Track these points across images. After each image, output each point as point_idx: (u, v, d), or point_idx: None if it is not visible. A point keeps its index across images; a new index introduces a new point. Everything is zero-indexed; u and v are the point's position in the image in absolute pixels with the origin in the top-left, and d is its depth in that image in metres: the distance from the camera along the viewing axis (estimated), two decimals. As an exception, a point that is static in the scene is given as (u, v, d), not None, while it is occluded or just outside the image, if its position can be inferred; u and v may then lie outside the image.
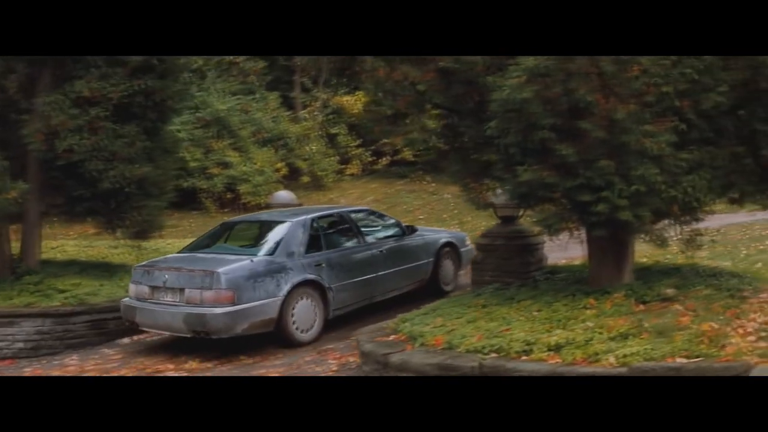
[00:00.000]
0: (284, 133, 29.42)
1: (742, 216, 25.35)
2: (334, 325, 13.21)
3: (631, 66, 9.81)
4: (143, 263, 13.09)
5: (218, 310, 11.16)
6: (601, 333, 8.87)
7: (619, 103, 9.68)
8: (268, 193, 24.94)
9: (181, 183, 24.56)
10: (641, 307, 10.08)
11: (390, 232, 14.46)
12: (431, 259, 14.91)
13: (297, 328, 12.12)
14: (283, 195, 18.10)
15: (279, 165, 28.69)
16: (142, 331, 13.26)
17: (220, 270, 11.34)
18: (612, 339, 8.67)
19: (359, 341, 10.22)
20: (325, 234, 13.22)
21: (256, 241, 13.14)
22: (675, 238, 11.91)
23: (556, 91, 9.77)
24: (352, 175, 30.87)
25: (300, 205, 18.37)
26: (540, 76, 9.76)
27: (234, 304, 11.22)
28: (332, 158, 30.04)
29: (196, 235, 19.77)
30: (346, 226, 13.77)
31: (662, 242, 10.68)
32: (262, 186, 27.09)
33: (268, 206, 19.63)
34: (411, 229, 14.68)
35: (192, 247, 13.25)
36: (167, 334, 12.52)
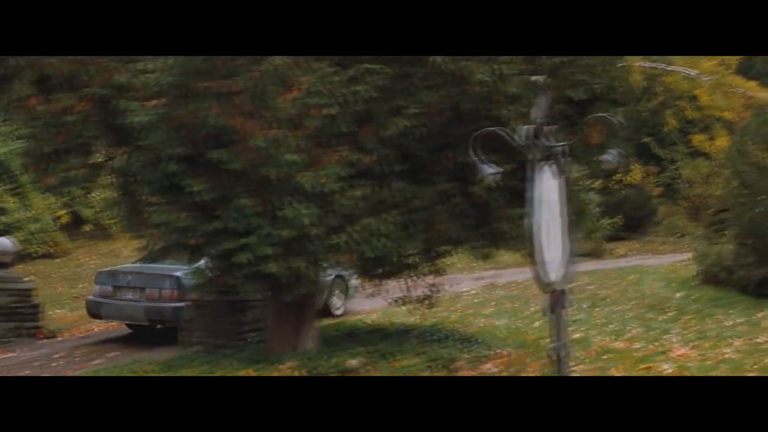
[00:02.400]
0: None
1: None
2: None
3: (289, 83, 7.84)
4: (107, 269, 15.25)
5: (172, 305, 13.28)
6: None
7: (260, 128, 7.68)
8: (43, 242, 22.27)
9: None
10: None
11: None
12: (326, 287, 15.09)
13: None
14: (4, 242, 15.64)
15: (60, 212, 25.94)
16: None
17: (179, 274, 13.02)
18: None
19: None
20: None
21: None
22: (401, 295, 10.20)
23: (183, 114, 7.67)
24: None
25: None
26: (163, 95, 7.67)
27: (182, 300, 13.07)
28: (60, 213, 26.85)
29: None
30: None
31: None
32: (37, 234, 24.34)
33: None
34: None
35: (142, 260, 14.06)
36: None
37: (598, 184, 28.33)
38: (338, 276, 15.59)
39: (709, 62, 33.24)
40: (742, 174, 17.89)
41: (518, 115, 7.96)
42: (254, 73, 7.74)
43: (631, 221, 29.29)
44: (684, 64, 33.30)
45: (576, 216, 9.38)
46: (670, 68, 33.43)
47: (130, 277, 14.15)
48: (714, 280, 18.53)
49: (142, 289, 13.87)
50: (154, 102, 7.78)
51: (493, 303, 17.54)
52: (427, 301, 9.79)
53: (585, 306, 16.79)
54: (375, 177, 8.31)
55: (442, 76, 8.37)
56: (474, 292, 19.68)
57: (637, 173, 31.17)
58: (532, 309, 16.39)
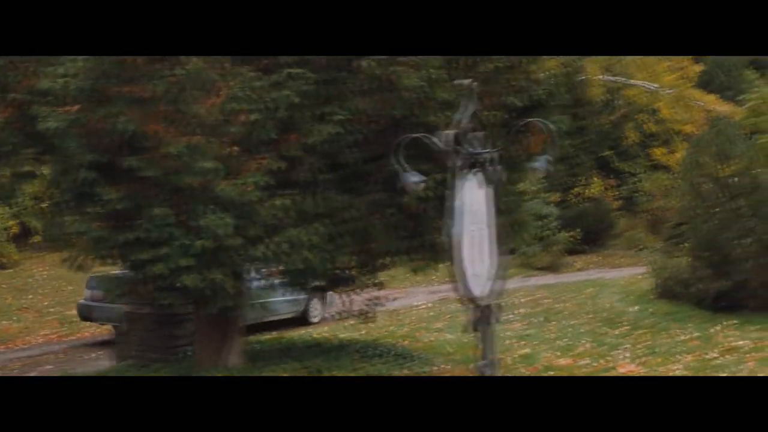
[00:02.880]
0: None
1: (517, 281, 24.06)
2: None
3: (210, 88, 7.42)
4: (98, 274, 13.87)
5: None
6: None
7: (177, 135, 7.25)
8: None
9: None
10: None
11: None
12: (305, 297, 16.26)
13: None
14: None
15: (11, 223, 25.01)
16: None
17: None
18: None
19: None
20: None
21: None
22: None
23: (95, 120, 7.22)
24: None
25: None
26: (74, 99, 7.22)
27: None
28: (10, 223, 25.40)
29: None
30: None
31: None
32: None
33: None
34: None
35: None
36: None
37: (556, 197, 28.16)
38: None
39: (669, 75, 33.26)
40: (697, 186, 17.67)
41: (453, 122, 7.60)
42: (171, 77, 7.31)
43: (591, 234, 29.10)
44: (645, 78, 33.29)
45: (517, 227, 9.06)
46: (630, 82, 33.41)
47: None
48: (670, 294, 18.30)
49: None
50: (67, 107, 7.32)
51: (447, 316, 17.16)
52: (364, 316, 9.33)
53: (539, 320, 16.51)
54: (301, 186, 7.91)
55: (371, 82, 7.99)
56: (429, 305, 19.32)
57: (597, 186, 31.02)
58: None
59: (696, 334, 14.19)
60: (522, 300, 19.70)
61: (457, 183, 6.21)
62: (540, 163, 6.51)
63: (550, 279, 24.01)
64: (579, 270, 26.93)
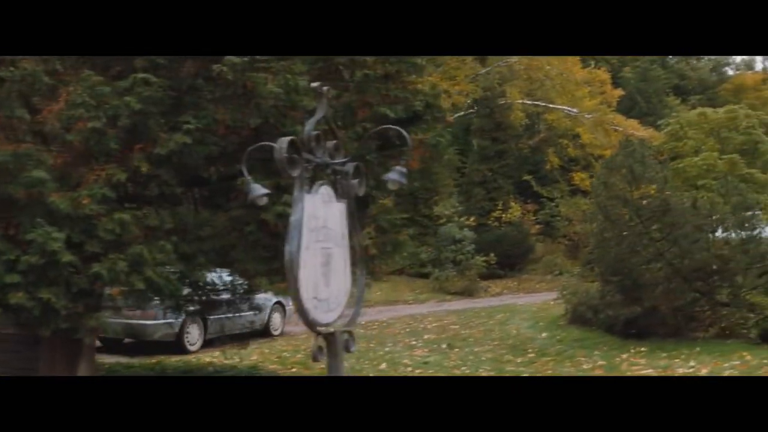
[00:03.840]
0: None
1: (430, 305, 23.60)
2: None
3: (55, 92, 6.64)
4: None
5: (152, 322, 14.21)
6: None
7: (5, 142, 6.45)
8: None
9: None
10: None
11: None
12: (268, 311, 17.54)
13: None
14: None
15: None
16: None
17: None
18: None
19: None
20: None
21: None
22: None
23: None
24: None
25: None
26: None
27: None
28: None
29: None
30: None
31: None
32: None
33: None
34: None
35: None
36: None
37: (472, 220, 27.78)
38: (277, 302, 17.92)
39: (590, 101, 33.35)
40: (607, 208, 17.30)
41: (321, 132, 6.91)
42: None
43: (509, 259, 28.78)
44: (565, 102, 33.31)
45: (391, 248, 8.44)
46: (551, 106, 33.39)
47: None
48: (581, 320, 17.93)
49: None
50: None
51: (351, 342, 16.44)
52: (237, 342, 8.56)
53: (442, 346, 15.92)
54: (149, 200, 7.13)
55: (227, 89, 7.29)
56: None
57: (516, 210, 30.74)
58: (386, 349, 15.45)
59: (601, 363, 13.73)
60: (430, 326, 19.14)
61: (296, 195, 5.51)
62: (393, 175, 5.84)
63: (463, 304, 23.51)
64: (494, 295, 26.55)
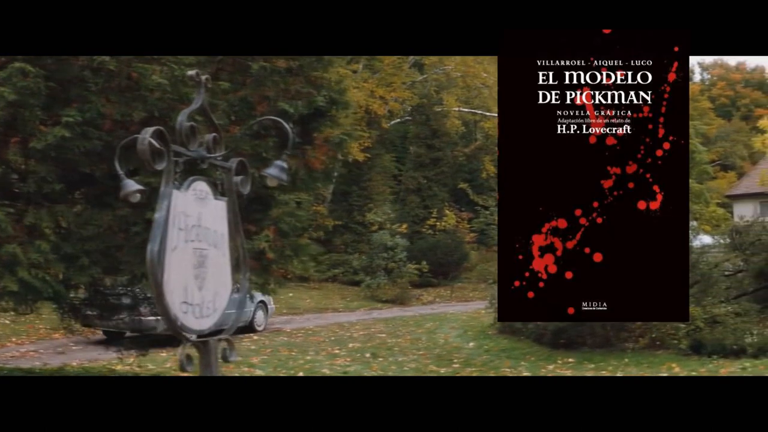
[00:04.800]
0: None
1: (360, 314, 23.23)
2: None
3: None
4: None
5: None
6: None
7: None
8: None
9: None
10: None
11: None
12: (252, 309, 19.11)
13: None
14: None
15: None
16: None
17: None
18: None
19: None
20: None
21: None
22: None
23: None
24: None
25: None
26: None
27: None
28: None
29: None
30: None
31: None
32: None
33: None
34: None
35: None
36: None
37: (405, 227, 27.50)
38: (261, 301, 19.47)
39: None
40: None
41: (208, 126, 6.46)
42: None
43: (442, 267, 28.51)
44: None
45: (290, 252, 8.02)
46: (488, 114, 33.29)
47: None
48: (510, 330, 17.72)
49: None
50: None
51: (268, 350, 15.99)
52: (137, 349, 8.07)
53: (366, 356, 15.52)
54: (26, 197, 6.61)
55: (111, 80, 6.82)
56: (255, 338, 18.12)
57: (450, 218, 30.51)
58: (307, 358, 15.00)
59: (526, 374, 13.46)
60: (356, 334, 18.75)
61: (162, 190, 5.06)
62: (272, 170, 5.42)
63: (394, 312, 23.15)
64: (426, 303, 26.25)
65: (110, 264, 7.40)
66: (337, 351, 16.11)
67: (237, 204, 5.80)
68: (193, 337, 5.31)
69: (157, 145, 5.18)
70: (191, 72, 5.40)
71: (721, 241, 20.39)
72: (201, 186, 5.42)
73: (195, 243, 5.37)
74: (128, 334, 14.76)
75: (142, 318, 15.29)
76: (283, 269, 7.73)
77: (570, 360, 14.61)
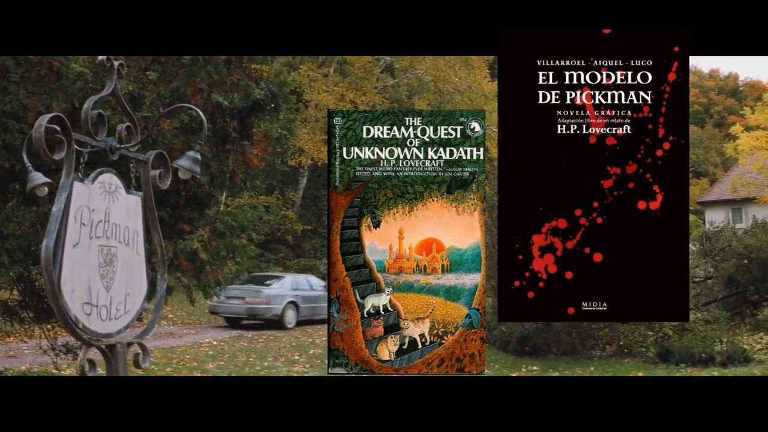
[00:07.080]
0: None
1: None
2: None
3: None
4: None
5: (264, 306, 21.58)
6: None
7: None
8: None
9: None
10: None
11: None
12: (282, 306, 22.07)
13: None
14: None
15: None
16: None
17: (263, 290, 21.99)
18: None
19: None
20: None
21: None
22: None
23: None
24: None
25: None
26: None
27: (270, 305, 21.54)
28: None
29: None
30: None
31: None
32: None
33: None
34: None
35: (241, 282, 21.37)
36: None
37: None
38: (292, 300, 22.46)
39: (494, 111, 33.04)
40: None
41: (137, 118, 6.09)
42: None
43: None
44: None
45: (225, 253, 7.64)
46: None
47: (236, 291, 21.33)
48: (475, 336, 17.36)
49: (243, 297, 21.63)
50: None
51: (226, 355, 15.58)
52: (71, 353, 7.67)
53: (326, 362, 15.15)
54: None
55: (33, 68, 6.43)
56: (215, 343, 17.69)
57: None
58: (264, 364, 14.61)
59: (489, 380, 13.14)
60: (319, 340, 18.45)
61: (62, 182, 4.68)
62: (183, 161, 5.05)
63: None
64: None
65: (34, 263, 7.01)
66: (297, 357, 15.74)
67: (153, 199, 5.43)
68: (98, 341, 4.93)
69: (57, 133, 4.81)
70: (102, 57, 5.03)
71: (692, 247, 20.26)
72: (109, 179, 5.05)
73: (102, 240, 4.99)
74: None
75: (257, 306, 21.43)
76: (218, 270, 7.36)
77: (535, 368, 14.37)
